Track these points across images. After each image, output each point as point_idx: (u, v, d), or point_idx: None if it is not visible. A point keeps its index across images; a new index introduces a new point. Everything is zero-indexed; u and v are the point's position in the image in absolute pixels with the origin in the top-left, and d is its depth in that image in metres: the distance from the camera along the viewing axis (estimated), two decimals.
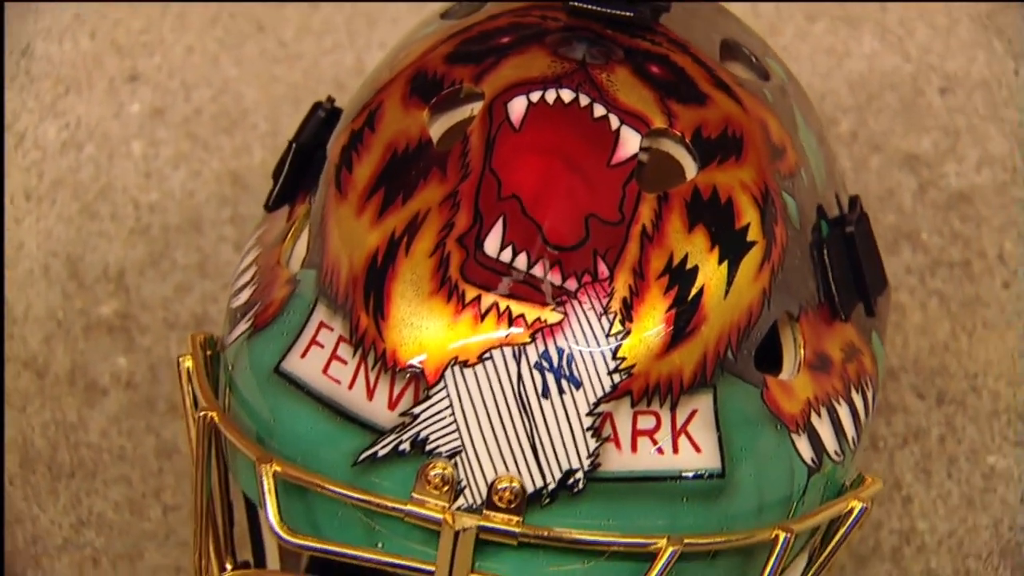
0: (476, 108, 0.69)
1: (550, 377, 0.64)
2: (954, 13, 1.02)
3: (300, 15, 1.06)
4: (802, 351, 0.71)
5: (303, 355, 0.68)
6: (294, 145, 0.76)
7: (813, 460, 0.69)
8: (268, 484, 0.66)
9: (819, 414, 0.70)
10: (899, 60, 1.01)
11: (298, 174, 0.76)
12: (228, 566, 0.76)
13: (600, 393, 0.64)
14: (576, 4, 0.73)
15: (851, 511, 0.72)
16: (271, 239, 0.76)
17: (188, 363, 0.73)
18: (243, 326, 0.72)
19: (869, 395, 0.75)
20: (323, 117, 0.77)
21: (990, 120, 0.98)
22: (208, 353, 0.75)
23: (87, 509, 0.93)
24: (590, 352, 0.64)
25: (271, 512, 0.66)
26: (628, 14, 0.72)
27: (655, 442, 0.65)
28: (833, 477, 0.72)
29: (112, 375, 0.95)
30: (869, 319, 0.76)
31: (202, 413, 0.70)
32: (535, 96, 0.69)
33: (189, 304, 0.99)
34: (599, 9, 0.73)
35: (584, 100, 0.68)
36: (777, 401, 0.68)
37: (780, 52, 0.82)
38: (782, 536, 0.67)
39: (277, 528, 0.66)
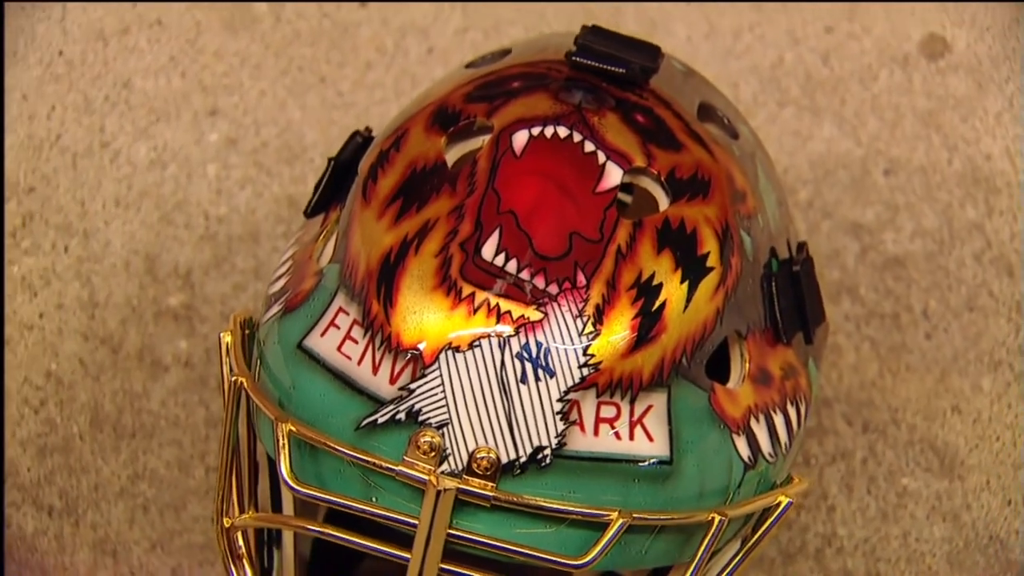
0: (486, 139, 0.71)
1: (528, 366, 0.66)
2: (901, 109, 1.03)
3: (356, 72, 1.08)
4: (747, 365, 0.73)
5: (322, 334, 0.70)
6: (332, 162, 0.77)
7: (749, 458, 0.71)
8: (283, 440, 0.69)
9: (757, 420, 0.72)
10: (852, 144, 1.03)
11: (334, 187, 0.78)
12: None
13: (570, 383, 0.67)
14: (578, 60, 0.75)
15: (779, 504, 0.75)
16: (306, 239, 0.79)
17: (228, 338, 0.75)
18: (275, 308, 0.75)
19: (802, 409, 0.77)
20: (359, 142, 0.79)
21: (925, 200, 1.01)
22: (246, 332, 0.76)
23: (143, 465, 0.95)
24: (564, 348, 0.67)
25: (283, 464, 0.68)
26: (621, 71, 0.74)
27: (614, 429, 0.68)
28: (766, 475, 0.74)
29: (174, 355, 0.98)
30: (807, 346, 0.78)
31: (233, 379, 0.72)
32: (536, 130, 0.72)
33: (243, 301, 1.00)
34: (597, 65, 0.75)
35: (577, 137, 0.71)
36: (722, 405, 0.71)
37: (754, 130, 0.84)
38: (717, 519, 0.69)
39: (287, 477, 0.68)
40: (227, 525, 0.73)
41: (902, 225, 1.01)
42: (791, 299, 0.76)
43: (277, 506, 0.81)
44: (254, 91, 1.08)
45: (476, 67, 0.80)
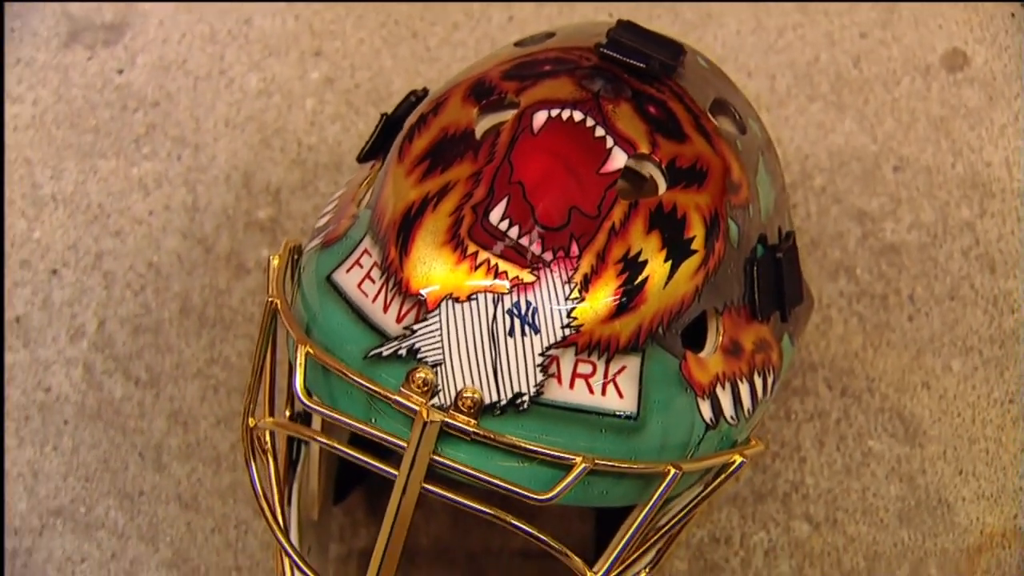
0: (512, 114, 0.70)
1: (517, 322, 0.65)
2: (916, 113, 0.99)
3: (444, 31, 1.06)
4: (721, 338, 0.71)
5: (348, 270, 0.70)
6: (384, 117, 0.76)
7: (711, 420, 0.69)
8: (300, 360, 0.68)
9: (723, 387, 0.70)
10: (868, 140, 1.00)
11: (383, 140, 0.76)
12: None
13: (552, 340, 0.65)
14: (605, 52, 0.73)
15: (733, 462, 0.72)
16: (354, 183, 0.78)
17: (275, 261, 0.75)
18: (316, 240, 0.74)
19: (770, 380, 0.75)
20: (413, 101, 0.77)
21: (926, 196, 0.97)
22: (294, 257, 0.76)
23: (218, 352, 0.95)
24: (551, 309, 0.66)
25: (298, 380, 0.68)
26: (642, 65, 0.72)
27: (589, 384, 0.67)
28: (728, 435, 0.72)
29: (256, 261, 0.97)
30: (783, 324, 0.76)
31: (269, 299, 0.72)
32: (555, 112, 0.70)
33: None
34: (621, 58, 0.73)
35: (590, 122, 0.69)
36: (692, 371, 0.69)
37: (783, 119, 0.81)
38: (672, 471, 0.68)
39: (300, 392, 0.68)
40: (251, 425, 0.72)
41: (902, 217, 0.98)
42: (771, 282, 0.73)
43: (307, 418, 0.80)
44: (354, 39, 1.06)
45: (523, 46, 0.78)
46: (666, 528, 0.74)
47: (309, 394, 0.69)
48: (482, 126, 0.71)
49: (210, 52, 1.06)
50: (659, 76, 0.73)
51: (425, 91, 0.78)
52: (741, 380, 0.73)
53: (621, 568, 0.73)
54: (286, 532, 0.75)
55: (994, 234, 0.98)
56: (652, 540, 0.74)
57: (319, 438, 0.71)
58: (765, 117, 0.98)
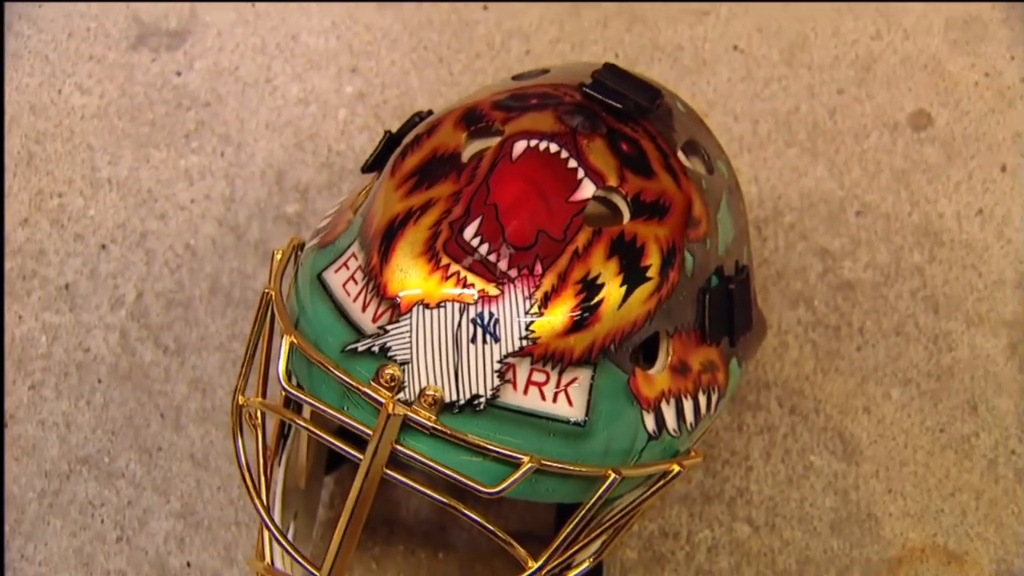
0: (497, 140, 0.69)
1: (479, 330, 0.64)
2: (881, 165, 0.97)
3: (467, 59, 1.05)
4: (670, 358, 0.70)
5: (336, 271, 0.69)
6: (387, 135, 0.75)
7: (654, 431, 0.67)
8: (284, 349, 0.69)
9: (668, 402, 0.68)
10: (835, 186, 0.98)
11: (385, 154, 0.74)
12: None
13: (510, 350, 0.65)
14: (588, 91, 0.72)
15: (672, 471, 0.70)
16: (355, 191, 0.78)
17: (278, 256, 0.74)
18: (315, 241, 0.74)
19: (714, 398, 0.74)
20: (416, 121, 0.76)
21: (882, 240, 0.96)
22: (297, 252, 0.75)
23: (240, 329, 0.98)
24: (511, 321, 0.65)
25: (281, 366, 0.69)
26: (619, 105, 0.71)
27: (542, 392, 0.66)
28: (670, 446, 0.71)
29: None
30: (731, 348, 0.72)
31: (265, 290, 0.72)
32: (533, 143, 0.69)
33: None
34: (601, 98, 0.72)
35: (565, 154, 0.68)
36: (639, 386, 0.68)
37: (762, 160, 0.80)
38: (612, 475, 0.67)
39: (281, 377, 0.68)
40: (240, 403, 0.71)
41: (860, 257, 0.96)
42: (722, 310, 0.72)
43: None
44: (387, 60, 1.05)
45: (518, 80, 0.78)
46: (608, 524, 0.73)
47: (290, 379, 0.68)
48: (470, 150, 0.70)
49: (259, 62, 1.05)
50: (634, 116, 0.72)
51: (429, 112, 0.77)
52: (686, 397, 0.71)
53: (563, 559, 0.71)
54: (268, 508, 0.74)
55: (940, 279, 0.96)
56: (595, 534, 0.72)
57: (299, 421, 0.70)
58: (746, 158, 0.97)
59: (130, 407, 0.94)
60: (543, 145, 0.69)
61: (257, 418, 0.75)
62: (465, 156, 0.69)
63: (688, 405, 0.72)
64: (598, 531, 0.72)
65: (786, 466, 0.91)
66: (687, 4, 1.06)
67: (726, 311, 0.73)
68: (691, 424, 0.72)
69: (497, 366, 0.64)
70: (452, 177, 0.68)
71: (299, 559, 0.70)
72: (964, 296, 0.96)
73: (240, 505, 0.91)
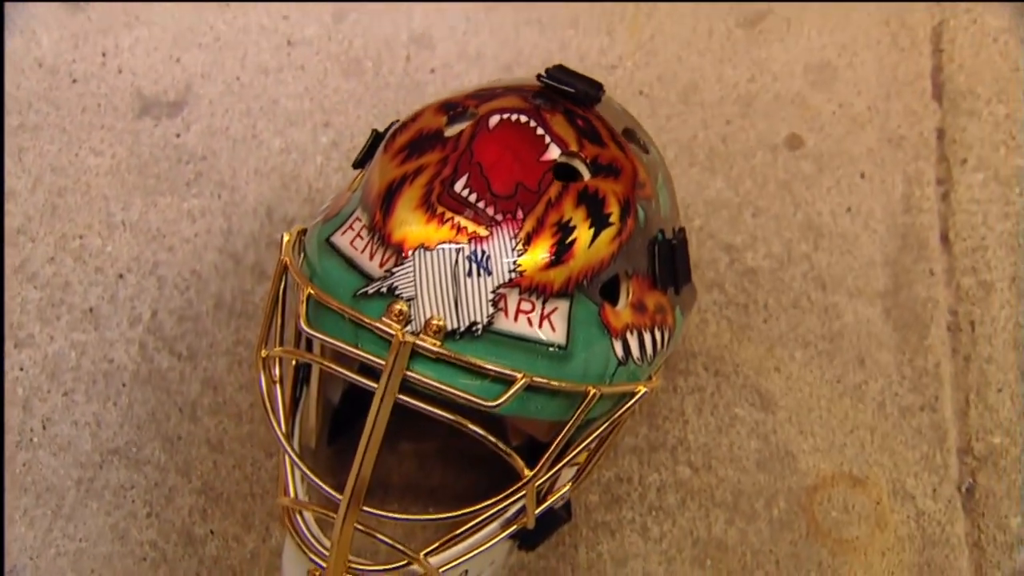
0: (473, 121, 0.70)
1: (474, 266, 0.64)
2: (767, 177, 0.99)
3: None
4: (629, 296, 0.71)
5: (343, 233, 0.69)
6: (374, 133, 0.75)
7: (622, 357, 0.66)
8: (303, 298, 0.67)
9: (631, 333, 0.68)
10: (732, 195, 1.02)
11: (372, 150, 0.74)
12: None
13: (501, 281, 0.65)
14: (543, 79, 0.73)
15: (639, 391, 0.71)
16: (349, 182, 0.76)
17: (287, 237, 0.73)
18: (318, 219, 0.74)
19: (666, 336, 0.74)
20: (396, 124, 0.74)
21: (775, 235, 0.99)
22: (301, 237, 0.74)
23: (243, 335, 0.96)
24: (500, 257, 0.65)
25: (302, 314, 0.67)
26: (572, 90, 0.72)
27: (529, 319, 0.66)
28: (634, 373, 0.71)
29: (273, 270, 0.91)
30: (676, 297, 0.74)
31: (280, 258, 0.72)
32: (505, 116, 0.71)
33: None
34: (557, 85, 0.72)
35: (532, 123, 0.69)
36: (608, 317, 0.67)
37: (673, 179, 0.80)
38: (592, 391, 0.67)
39: (303, 323, 0.67)
40: (264, 355, 0.68)
41: (758, 249, 0.97)
42: (667, 261, 0.72)
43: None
44: (354, 115, 1.05)
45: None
46: (586, 444, 0.71)
47: (310, 324, 0.67)
48: (450, 131, 0.70)
49: (246, 123, 1.04)
50: (584, 102, 0.72)
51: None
52: (645, 331, 0.70)
53: (552, 473, 0.69)
54: (289, 437, 0.71)
55: (824, 263, 0.98)
56: (574, 453, 0.70)
57: (319, 360, 0.68)
58: None
59: (152, 405, 0.90)
60: (514, 117, 0.69)
61: (276, 374, 0.72)
62: (447, 134, 0.69)
63: (647, 338, 0.71)
64: (579, 449, 0.71)
65: (715, 418, 0.91)
66: (599, 59, 1.07)
67: (671, 263, 0.72)
68: (650, 356, 0.71)
69: (491, 296, 0.64)
70: (439, 148, 0.68)
71: (321, 484, 0.67)
72: (844, 275, 0.97)
73: (254, 479, 0.87)
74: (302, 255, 0.72)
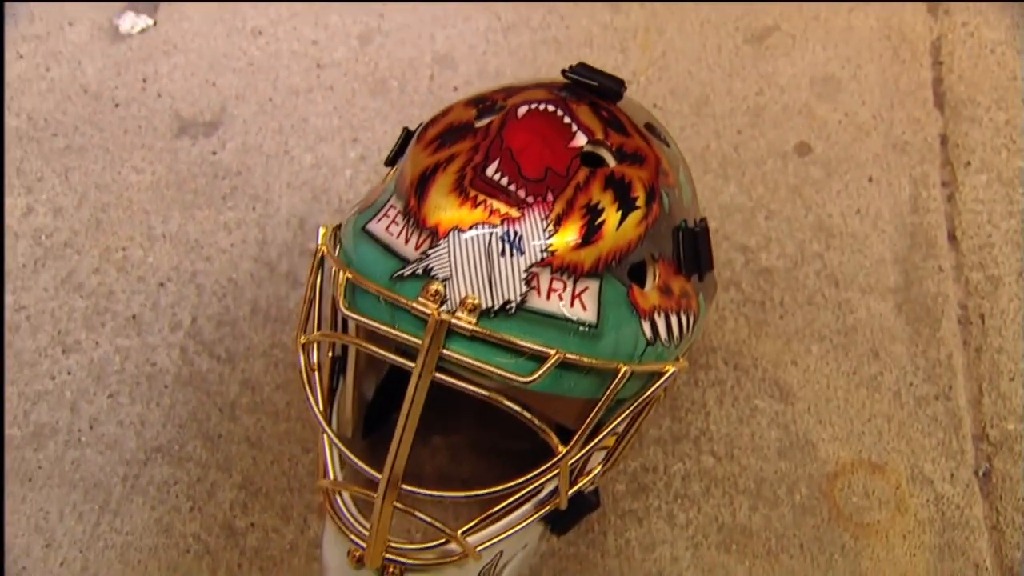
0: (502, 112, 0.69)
1: (507, 246, 0.63)
2: (778, 182, 0.98)
3: None
4: (656, 279, 0.69)
5: (378, 221, 0.68)
6: (404, 131, 0.74)
7: (650, 338, 0.65)
8: (341, 280, 0.66)
9: (659, 315, 0.67)
10: (746, 199, 1.01)
11: (403, 148, 0.73)
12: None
13: (533, 261, 0.63)
14: (568, 74, 0.72)
15: (667, 371, 0.70)
16: (383, 176, 0.74)
17: (324, 231, 0.72)
18: (353, 211, 0.72)
19: (691, 319, 0.73)
20: (428, 120, 0.72)
21: (788, 236, 0.97)
22: (336, 232, 0.72)
23: (278, 339, 0.96)
24: (532, 238, 0.64)
25: (340, 298, 0.66)
26: (595, 84, 0.72)
27: (561, 297, 0.64)
28: (662, 354, 0.70)
29: (306, 277, 0.91)
30: (700, 284, 0.73)
31: (317, 247, 0.71)
32: (533, 106, 0.70)
33: None
34: (581, 79, 0.72)
35: (560, 112, 0.68)
36: (636, 298, 0.67)
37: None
38: (623, 368, 0.65)
39: (341, 305, 0.66)
40: (303, 341, 0.67)
41: (772, 249, 0.96)
42: (691, 248, 0.70)
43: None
44: (380, 131, 1.06)
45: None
46: (616, 424, 0.69)
47: (348, 307, 0.66)
48: (479, 124, 0.69)
49: (278, 139, 1.04)
50: (607, 96, 0.72)
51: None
52: (671, 313, 0.69)
53: (584, 451, 0.67)
54: (328, 418, 0.70)
55: (836, 261, 0.97)
56: (606, 432, 0.69)
57: (357, 341, 0.66)
58: None
59: (193, 405, 0.89)
60: (542, 107, 0.69)
61: (315, 362, 0.71)
62: (477, 125, 0.69)
63: (674, 320, 0.70)
64: (609, 428, 0.69)
65: (736, 409, 0.89)
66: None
67: (694, 249, 0.71)
68: (676, 338, 0.70)
69: (524, 275, 0.62)
70: (469, 137, 0.67)
71: (359, 463, 0.65)
72: (856, 273, 0.96)
73: (292, 475, 0.86)
74: (338, 246, 0.71)
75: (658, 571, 0.82)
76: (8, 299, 0.95)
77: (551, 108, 0.68)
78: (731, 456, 0.87)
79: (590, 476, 0.73)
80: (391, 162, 0.74)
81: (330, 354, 0.76)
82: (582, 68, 0.73)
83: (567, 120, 0.68)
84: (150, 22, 1.13)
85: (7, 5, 1.12)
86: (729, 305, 0.95)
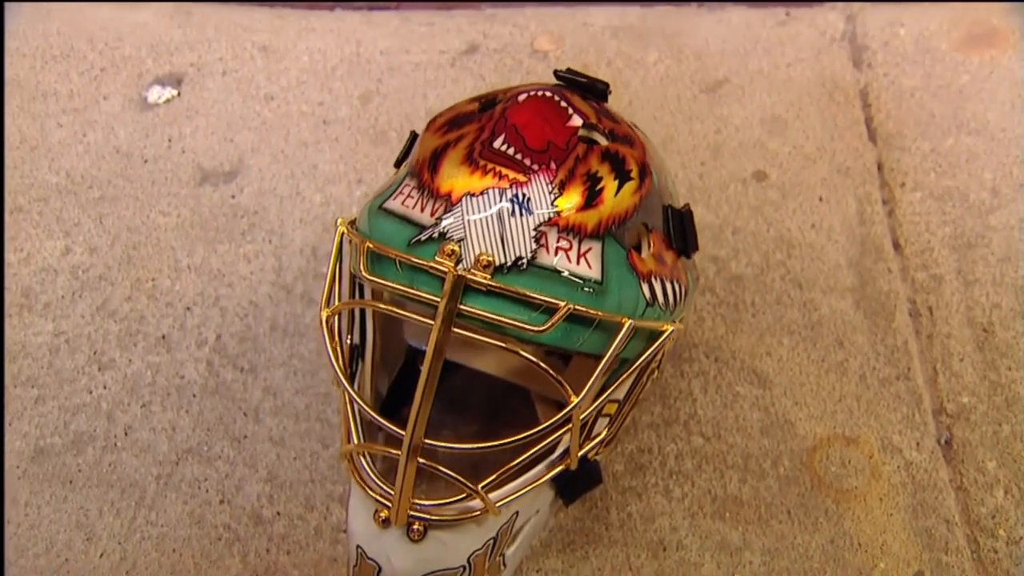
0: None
1: (516, 207, 0.62)
2: (741, 203, 0.96)
3: None
4: (651, 248, 0.67)
5: (394, 199, 0.66)
6: (412, 134, 0.72)
7: (650, 299, 0.64)
8: (363, 250, 0.64)
9: (655, 280, 0.65)
10: (714, 218, 1.00)
11: (409, 149, 0.71)
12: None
13: (541, 220, 0.62)
14: (559, 73, 0.72)
15: (666, 330, 0.68)
16: (393, 171, 0.71)
17: (340, 221, 0.70)
18: (371, 198, 0.69)
19: (682, 289, 0.71)
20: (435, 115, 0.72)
21: (753, 247, 0.97)
22: (352, 225, 0.70)
23: (296, 351, 0.93)
24: (540, 199, 0.62)
25: (362, 264, 0.63)
26: (584, 81, 0.71)
27: (568, 256, 0.63)
28: (660, 316, 0.68)
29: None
30: (687, 261, 0.70)
31: (337, 224, 0.69)
32: (532, 92, 0.69)
33: None
34: (570, 76, 0.71)
35: (556, 98, 0.67)
36: (635, 262, 0.66)
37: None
38: (628, 322, 0.63)
39: (363, 271, 0.63)
40: (326, 314, 0.63)
41: (740, 259, 0.95)
42: (680, 227, 0.69)
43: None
44: (383, 174, 1.04)
45: None
46: (620, 383, 0.66)
47: (369, 273, 0.63)
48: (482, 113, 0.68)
49: (290, 184, 1.03)
50: (595, 94, 0.71)
51: None
52: (666, 280, 0.67)
53: (594, 406, 0.64)
54: (351, 380, 0.66)
55: (798, 268, 0.96)
56: (611, 391, 0.65)
57: (381, 305, 0.63)
58: None
59: (219, 411, 0.85)
60: (540, 93, 0.68)
61: (336, 331, 0.68)
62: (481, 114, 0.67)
63: (668, 287, 0.68)
64: (615, 386, 0.66)
65: (720, 395, 0.87)
66: None
67: (682, 228, 0.69)
68: (671, 304, 0.68)
69: (533, 233, 0.60)
70: (475, 121, 0.66)
71: (383, 422, 0.61)
72: (816, 276, 0.95)
73: (313, 468, 0.82)
74: (357, 229, 0.68)
75: (659, 539, 0.78)
76: (48, 326, 0.91)
77: (548, 94, 0.67)
78: (718, 436, 0.84)
79: (597, 439, 0.70)
80: (399, 163, 0.73)
81: (348, 340, 0.72)
82: (570, 72, 0.72)
83: (563, 104, 0.67)
84: (175, 93, 1.12)
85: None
86: (706, 307, 0.93)
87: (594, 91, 0.71)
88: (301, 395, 0.86)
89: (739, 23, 1.20)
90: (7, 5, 1.10)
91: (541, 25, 1.20)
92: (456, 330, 0.59)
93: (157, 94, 1.13)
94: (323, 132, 1.08)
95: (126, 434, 0.84)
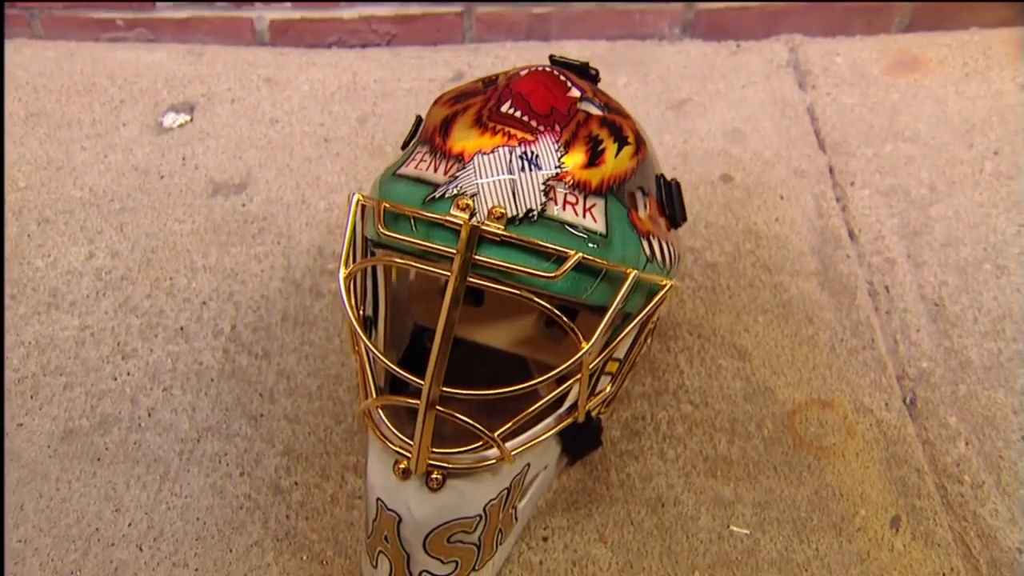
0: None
1: (526, 163, 0.59)
2: (712, 201, 0.94)
3: None
4: (647, 210, 0.65)
5: (407, 165, 0.63)
6: (417, 118, 0.69)
7: (649, 255, 0.60)
8: (379, 210, 0.60)
9: (653, 239, 0.62)
10: (689, 214, 0.92)
11: (416, 132, 0.67)
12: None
13: (550, 175, 0.60)
14: (553, 56, 0.70)
15: (665, 285, 0.64)
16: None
17: (357, 195, 0.64)
18: (385, 169, 0.64)
19: (675, 252, 0.69)
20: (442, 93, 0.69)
21: (726, 239, 0.96)
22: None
23: (307, 339, 0.88)
24: (547, 156, 0.60)
25: (379, 222, 0.60)
26: (577, 63, 0.68)
27: (575, 210, 0.60)
28: (659, 271, 0.65)
29: (328, 290, 0.89)
30: (675, 231, 0.64)
31: (351, 195, 0.64)
32: (533, 68, 0.67)
33: None
34: (564, 61, 0.69)
35: (556, 73, 0.64)
36: (635, 220, 0.64)
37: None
38: (632, 272, 0.61)
39: (380, 228, 0.60)
40: (344, 274, 0.59)
41: (714, 249, 0.94)
42: (670, 197, 0.66)
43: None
44: None
45: None
46: (624, 335, 0.62)
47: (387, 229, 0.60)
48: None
49: (296, 192, 0.99)
50: (585, 77, 0.67)
51: None
52: (662, 240, 0.65)
53: (602, 355, 0.61)
54: (368, 331, 0.62)
55: (767, 255, 0.94)
56: (618, 340, 0.62)
57: (398, 260, 0.59)
58: None
59: (236, 393, 0.80)
60: (540, 68, 0.65)
61: (352, 300, 0.63)
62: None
63: (664, 247, 0.65)
64: (621, 337, 0.62)
65: (704, 367, 0.83)
66: None
67: (672, 198, 0.66)
68: (668, 264, 0.65)
69: (542, 187, 0.57)
70: (482, 94, 0.64)
71: (399, 371, 0.57)
72: (783, 263, 0.92)
73: (327, 441, 0.77)
74: (371, 199, 0.64)
75: (657, 496, 0.74)
76: (74, 321, 0.86)
77: (548, 70, 0.64)
78: (706, 403, 0.80)
79: (601, 395, 0.66)
80: (406, 145, 0.69)
81: (361, 312, 0.68)
82: (563, 58, 0.69)
83: (562, 78, 0.64)
84: (188, 118, 1.08)
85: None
86: (686, 291, 0.90)
87: (586, 75, 0.68)
88: (313, 377, 0.81)
89: (696, 54, 1.19)
90: (30, 44, 1.06)
91: (520, 56, 1.18)
92: (472, 280, 0.55)
93: (172, 119, 1.09)
94: (325, 148, 1.04)
95: (149, 415, 0.78)
